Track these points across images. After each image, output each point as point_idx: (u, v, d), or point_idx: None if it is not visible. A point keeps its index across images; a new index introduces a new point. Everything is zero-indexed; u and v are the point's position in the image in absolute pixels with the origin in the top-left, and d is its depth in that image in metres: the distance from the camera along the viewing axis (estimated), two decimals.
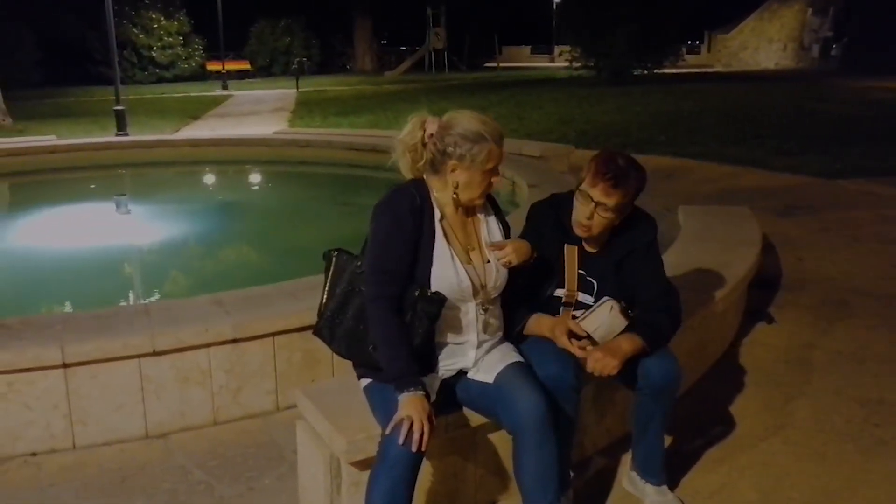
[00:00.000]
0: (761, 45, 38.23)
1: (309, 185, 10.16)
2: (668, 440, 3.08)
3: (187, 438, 3.24)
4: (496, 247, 2.46)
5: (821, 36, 34.09)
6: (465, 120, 2.35)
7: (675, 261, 4.17)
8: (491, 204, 2.56)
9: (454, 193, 2.37)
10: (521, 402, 2.27)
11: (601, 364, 2.37)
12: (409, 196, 2.34)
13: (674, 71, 26.49)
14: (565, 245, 2.64)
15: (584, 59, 24.73)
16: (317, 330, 2.54)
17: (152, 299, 5.22)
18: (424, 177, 2.42)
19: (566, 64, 26.54)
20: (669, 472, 2.78)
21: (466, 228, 2.47)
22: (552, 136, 11.98)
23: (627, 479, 2.80)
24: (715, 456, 3.05)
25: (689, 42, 44.27)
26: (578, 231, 2.58)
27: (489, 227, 2.51)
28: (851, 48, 31.07)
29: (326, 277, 2.51)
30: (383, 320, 2.28)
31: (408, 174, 2.44)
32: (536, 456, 2.27)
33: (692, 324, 3.42)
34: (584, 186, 2.51)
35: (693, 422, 3.28)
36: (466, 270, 2.38)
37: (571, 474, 2.69)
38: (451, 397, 2.46)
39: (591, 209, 2.49)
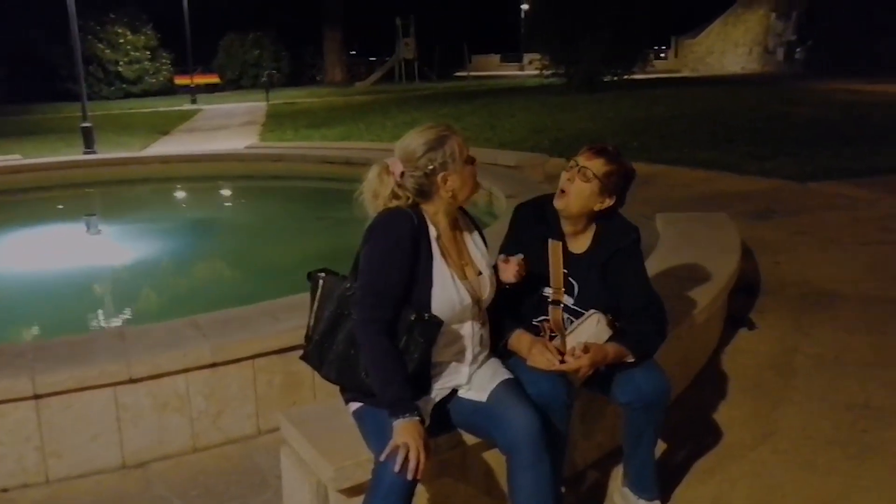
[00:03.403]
0: (727, 50, 38.73)
1: (283, 199, 10.07)
2: (657, 452, 3.05)
3: (166, 467, 3.15)
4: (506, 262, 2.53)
5: (785, 40, 34.59)
6: (416, 137, 2.34)
7: (655, 269, 4.15)
8: (468, 216, 2.55)
9: (454, 201, 2.36)
10: (516, 420, 2.24)
11: (576, 363, 2.37)
12: (408, 217, 2.30)
13: (643, 77, 26.74)
14: (549, 240, 2.63)
15: (555, 66, 24.88)
16: (305, 355, 2.47)
17: (127, 324, 5.09)
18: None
19: (536, 72, 26.69)
20: (661, 484, 2.75)
21: (457, 244, 2.45)
22: (526, 145, 11.99)
23: (620, 494, 2.76)
24: (705, 467, 3.02)
25: (657, 47, 44.77)
26: (557, 201, 2.59)
27: (474, 240, 2.52)
28: (815, 51, 31.61)
29: (313, 300, 2.45)
30: (376, 344, 2.22)
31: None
32: (532, 474, 2.23)
33: (679, 333, 3.41)
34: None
35: (681, 432, 3.25)
36: (464, 286, 2.36)
37: (563, 490, 2.65)
38: (443, 418, 2.41)
39: (574, 172, 2.55)
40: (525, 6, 40.01)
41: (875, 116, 13.93)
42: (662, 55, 46.00)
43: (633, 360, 2.47)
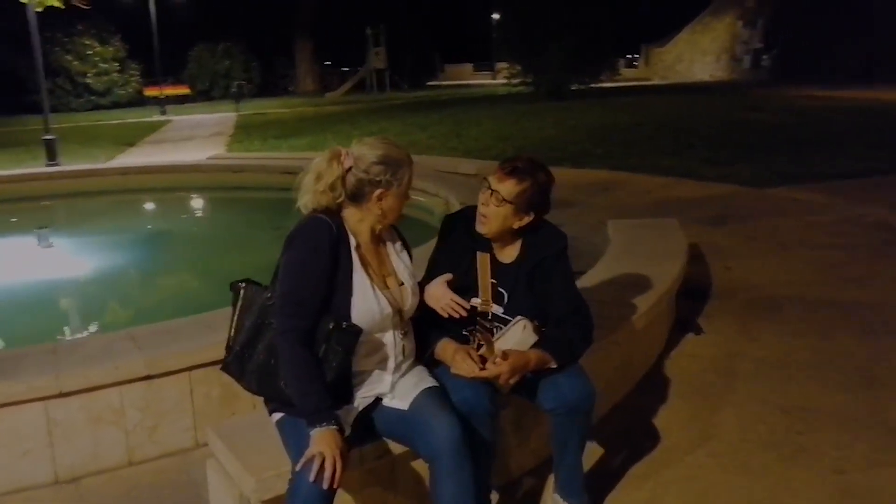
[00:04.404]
0: (696, 58, 39.22)
1: (243, 210, 9.99)
2: (594, 457, 3.08)
3: (101, 482, 3.10)
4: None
5: (751, 47, 35.13)
6: (379, 147, 2.35)
7: (601, 275, 4.18)
8: (393, 227, 2.54)
9: (380, 219, 2.36)
10: (436, 428, 2.23)
11: (496, 369, 2.36)
12: (327, 226, 2.29)
13: (612, 85, 26.98)
14: (477, 253, 2.63)
15: (523, 75, 25.03)
16: (225, 365, 2.45)
17: (66, 337, 5.00)
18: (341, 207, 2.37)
19: (506, 80, 26.85)
20: (595, 490, 2.76)
21: (379, 255, 2.44)
22: (490, 153, 12.03)
23: (552, 501, 2.76)
24: (640, 472, 3.03)
25: (629, 56, 45.28)
26: (478, 224, 2.58)
27: (398, 251, 2.51)
28: (781, 58, 32.12)
29: (234, 310, 2.44)
30: (294, 353, 2.20)
31: (315, 207, 2.36)
32: (454, 481, 2.22)
33: (617, 338, 3.43)
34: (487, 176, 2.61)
35: (620, 437, 3.27)
36: (385, 296, 2.34)
37: (497, 497, 2.64)
38: (368, 427, 2.40)
39: (487, 196, 2.54)
40: (496, 15, 40.22)
41: (835, 122, 14.17)
42: (635, 63, 46.52)
43: (556, 365, 2.47)
